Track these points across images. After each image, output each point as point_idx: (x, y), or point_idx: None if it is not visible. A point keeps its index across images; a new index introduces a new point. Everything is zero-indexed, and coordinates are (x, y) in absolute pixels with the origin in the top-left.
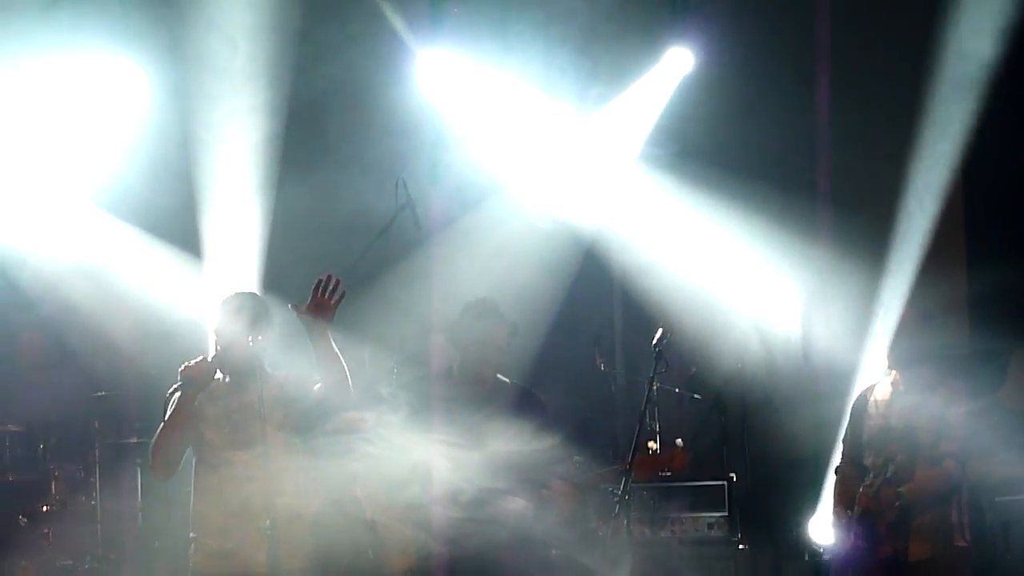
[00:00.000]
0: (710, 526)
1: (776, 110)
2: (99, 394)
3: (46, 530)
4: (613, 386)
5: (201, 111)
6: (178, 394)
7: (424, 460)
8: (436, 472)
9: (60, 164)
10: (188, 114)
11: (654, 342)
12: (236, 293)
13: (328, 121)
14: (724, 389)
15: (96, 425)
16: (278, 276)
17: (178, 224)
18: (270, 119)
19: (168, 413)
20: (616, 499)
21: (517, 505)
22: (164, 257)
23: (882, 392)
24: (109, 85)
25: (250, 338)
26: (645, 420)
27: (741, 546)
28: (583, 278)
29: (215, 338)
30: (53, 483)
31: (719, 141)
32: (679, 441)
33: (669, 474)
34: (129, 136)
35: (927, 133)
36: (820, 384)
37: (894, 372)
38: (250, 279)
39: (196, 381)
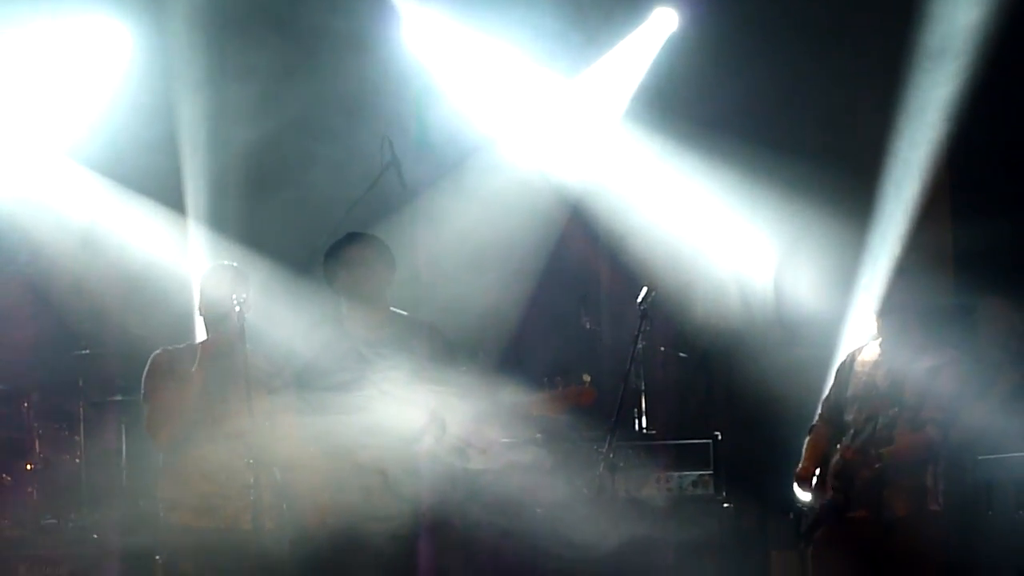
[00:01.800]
0: (695, 484)
1: (760, 68)
2: (83, 352)
3: (30, 489)
4: (599, 344)
5: (183, 68)
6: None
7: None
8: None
9: (42, 120)
10: (171, 70)
11: (639, 300)
12: (216, 265)
13: (313, 79)
14: (709, 348)
15: (80, 383)
16: (263, 234)
17: (162, 182)
18: (252, 77)
19: (153, 379)
20: (600, 457)
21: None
22: (148, 215)
23: (870, 354)
24: (92, 42)
25: (232, 304)
26: (630, 378)
27: (726, 504)
28: (569, 236)
29: (200, 309)
30: (37, 441)
31: (704, 99)
32: (586, 377)
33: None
34: (112, 93)
35: (914, 90)
36: (801, 340)
37: (882, 336)
38: (234, 238)
39: (219, 349)
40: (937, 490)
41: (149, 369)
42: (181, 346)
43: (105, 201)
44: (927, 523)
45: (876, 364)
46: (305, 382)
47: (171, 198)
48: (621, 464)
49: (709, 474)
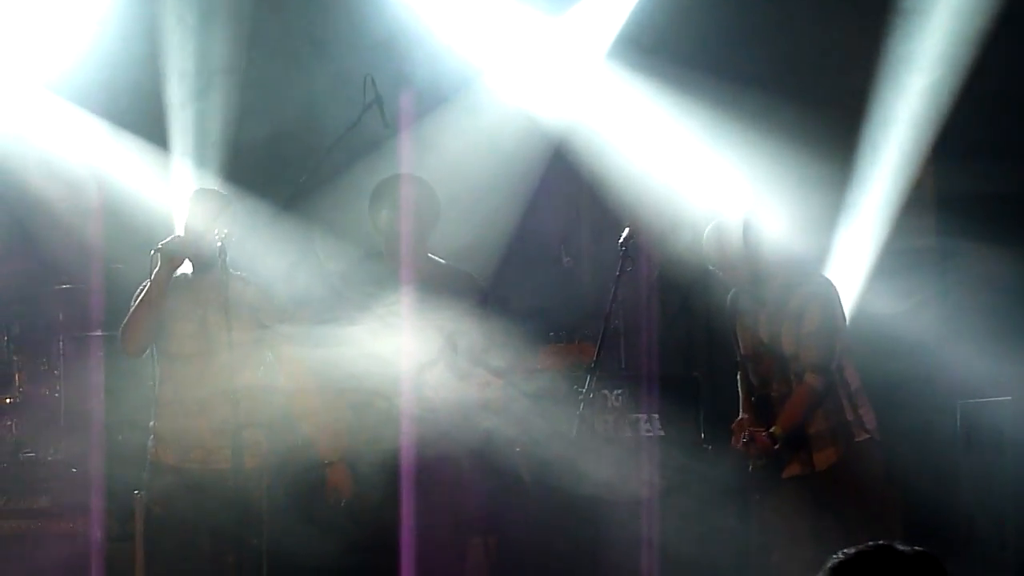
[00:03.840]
0: (676, 425)
1: (746, 7)
2: (63, 286)
3: (9, 422)
4: (579, 284)
5: (168, 4)
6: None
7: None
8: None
9: (24, 53)
10: (155, 5)
11: (621, 241)
12: (201, 188)
13: (297, 14)
14: (690, 289)
15: (60, 317)
16: (244, 170)
17: (143, 116)
18: (238, 14)
19: (142, 290)
20: (580, 398)
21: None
22: (129, 149)
23: (746, 302)
24: None
25: (216, 232)
26: (611, 319)
27: (706, 446)
28: (551, 176)
29: (183, 232)
30: (16, 375)
31: (688, 39)
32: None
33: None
34: (94, 26)
35: (902, 35)
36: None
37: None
38: (216, 172)
39: (171, 256)
40: (860, 417)
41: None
42: None
43: (86, 135)
44: (861, 455)
45: (754, 315)
46: (310, 313)
47: (154, 134)
48: (601, 404)
49: (690, 415)
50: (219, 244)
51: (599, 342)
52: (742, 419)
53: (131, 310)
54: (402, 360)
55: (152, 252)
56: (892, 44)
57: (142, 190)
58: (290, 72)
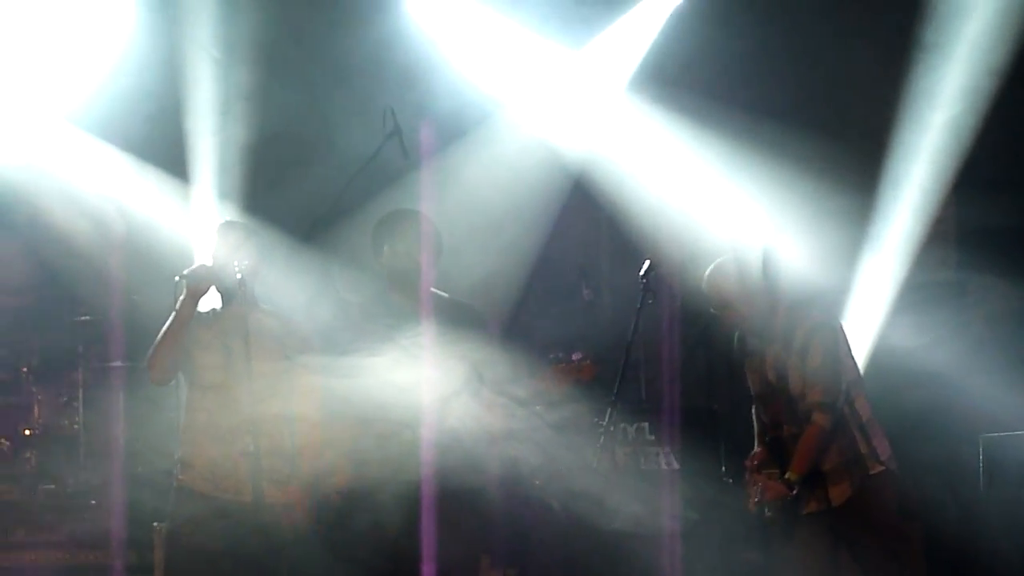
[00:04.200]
0: (695, 457)
1: (766, 40)
2: (83, 318)
3: (28, 454)
4: (599, 316)
5: (187, 34)
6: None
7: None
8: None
9: (43, 84)
10: (175, 36)
11: (641, 273)
12: (227, 220)
13: (317, 48)
14: (711, 322)
15: (80, 349)
16: (265, 202)
17: (163, 147)
18: (256, 43)
19: (169, 319)
20: (601, 431)
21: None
22: (149, 180)
23: (754, 341)
24: (97, 10)
25: (238, 263)
26: (631, 352)
27: (726, 478)
28: (571, 208)
29: (210, 262)
30: (36, 407)
31: (708, 71)
32: (576, 355)
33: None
34: (115, 56)
35: (924, 68)
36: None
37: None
38: (237, 205)
39: (197, 284)
40: (873, 448)
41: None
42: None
43: (108, 167)
44: (877, 488)
45: (761, 357)
46: (332, 345)
47: (174, 165)
48: (621, 437)
49: (710, 447)
50: (239, 275)
51: (619, 374)
52: (754, 455)
53: (158, 339)
54: (427, 390)
55: (176, 279)
56: (913, 78)
57: (162, 221)
58: (310, 103)
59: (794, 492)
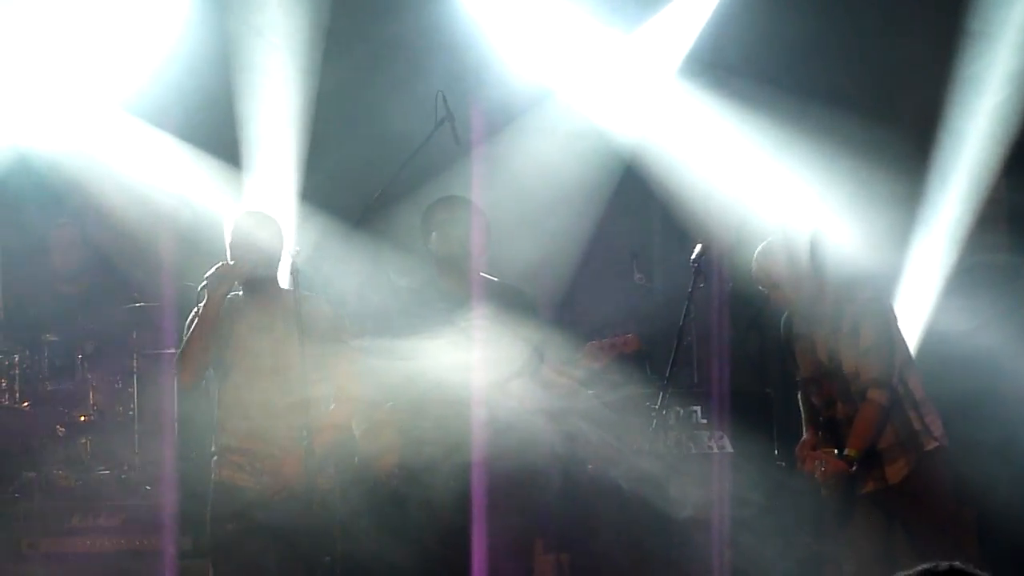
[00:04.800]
0: (747, 441)
1: (816, 23)
2: (137, 305)
3: (84, 440)
4: (651, 300)
5: (240, 22)
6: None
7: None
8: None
9: (96, 72)
10: (228, 23)
11: (693, 257)
12: (247, 212)
13: (370, 33)
14: (763, 305)
15: (134, 336)
16: (317, 187)
17: (217, 134)
18: (308, 30)
19: (193, 319)
20: (653, 415)
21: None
22: (203, 167)
23: (802, 324)
24: None
25: (291, 250)
26: (683, 336)
27: (779, 462)
28: (622, 192)
29: (229, 256)
30: (91, 393)
31: (759, 55)
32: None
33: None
34: (168, 44)
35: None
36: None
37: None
38: (289, 190)
39: (223, 281)
40: (927, 425)
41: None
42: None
43: (161, 154)
44: (933, 464)
45: (811, 338)
46: (386, 329)
47: (226, 152)
48: (674, 420)
49: (762, 431)
50: (292, 261)
51: (672, 358)
52: (805, 441)
53: (185, 342)
54: (485, 371)
55: (200, 289)
56: (961, 64)
57: (215, 208)
58: (363, 89)
59: (853, 468)
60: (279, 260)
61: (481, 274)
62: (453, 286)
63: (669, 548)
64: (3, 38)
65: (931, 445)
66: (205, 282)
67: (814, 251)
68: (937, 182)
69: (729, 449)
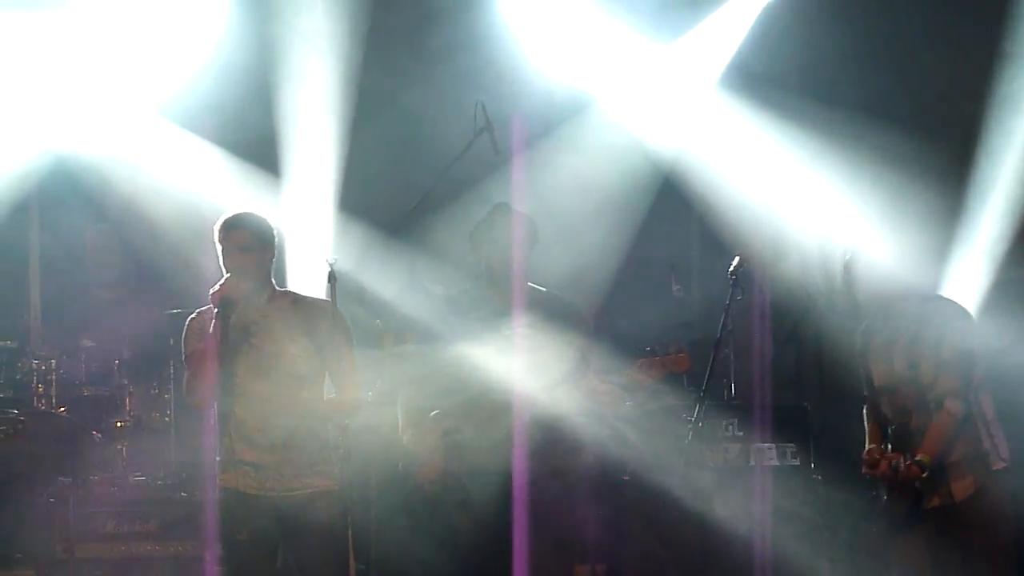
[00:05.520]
0: (784, 454)
1: (855, 36)
2: (174, 312)
3: (120, 446)
4: (688, 312)
5: (279, 29)
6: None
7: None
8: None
9: (135, 77)
10: (267, 34)
11: (731, 269)
12: (235, 215)
13: (409, 43)
14: (800, 318)
15: (171, 342)
16: (356, 196)
17: (256, 142)
18: (346, 43)
19: (189, 342)
20: (690, 427)
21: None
22: (240, 174)
23: (880, 336)
24: (190, 4)
25: (328, 258)
26: (720, 347)
27: (815, 475)
28: (661, 203)
29: (223, 260)
30: (127, 399)
31: (798, 67)
32: (672, 347)
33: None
34: (206, 50)
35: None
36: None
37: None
38: (328, 199)
39: (227, 303)
40: (996, 446)
41: (184, 334)
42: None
43: (198, 160)
44: (997, 487)
45: (889, 346)
46: (425, 338)
47: (264, 159)
48: (709, 433)
49: (799, 444)
50: (330, 268)
51: (708, 370)
52: (872, 449)
53: (194, 367)
54: (529, 379)
55: (216, 310)
56: (1000, 82)
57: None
58: (401, 97)
59: (924, 475)
60: (273, 260)
61: (529, 284)
62: (497, 295)
63: (706, 558)
64: (43, 44)
65: (998, 465)
66: (211, 304)
67: (848, 267)
68: (975, 198)
69: (769, 461)
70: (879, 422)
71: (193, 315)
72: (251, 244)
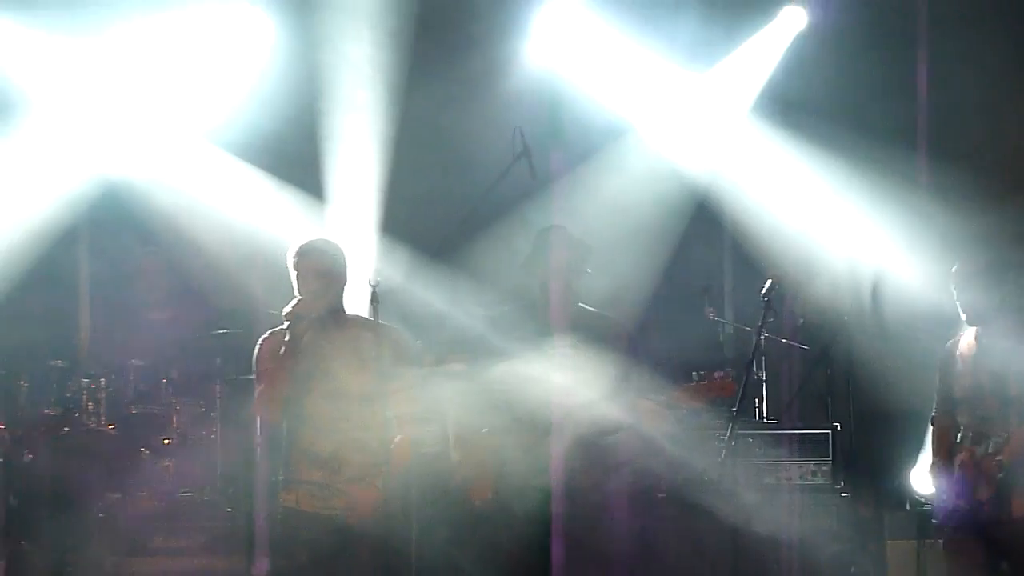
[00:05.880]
0: (814, 473)
1: (884, 65)
2: (220, 332)
3: (167, 462)
4: (721, 335)
5: (325, 57)
6: (286, 336)
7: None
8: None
9: (185, 105)
10: (313, 61)
11: (763, 292)
12: (308, 242)
13: (450, 73)
14: (831, 340)
15: (217, 362)
16: (399, 219)
17: (301, 167)
18: (390, 71)
19: (262, 361)
20: (723, 444)
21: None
22: (286, 199)
23: (967, 346)
24: (236, 31)
25: (371, 279)
26: (752, 369)
27: (843, 494)
28: (695, 227)
29: (296, 284)
30: (175, 416)
31: (828, 95)
32: (719, 373)
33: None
34: (254, 80)
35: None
36: (919, 334)
37: (975, 326)
38: (371, 221)
39: (299, 321)
40: None
41: (257, 353)
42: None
43: (250, 187)
44: None
45: (977, 361)
46: (470, 356)
47: (310, 185)
48: (742, 452)
49: (828, 464)
50: (372, 290)
51: (740, 390)
52: (935, 462)
53: (268, 380)
54: (571, 395)
55: (285, 326)
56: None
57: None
58: (443, 122)
59: (1001, 475)
60: (345, 286)
61: (579, 304)
62: (542, 314)
63: (739, 572)
64: (92, 72)
65: None
66: (286, 322)
67: (875, 289)
68: (998, 223)
69: (798, 479)
70: (949, 433)
71: (266, 335)
72: (323, 269)
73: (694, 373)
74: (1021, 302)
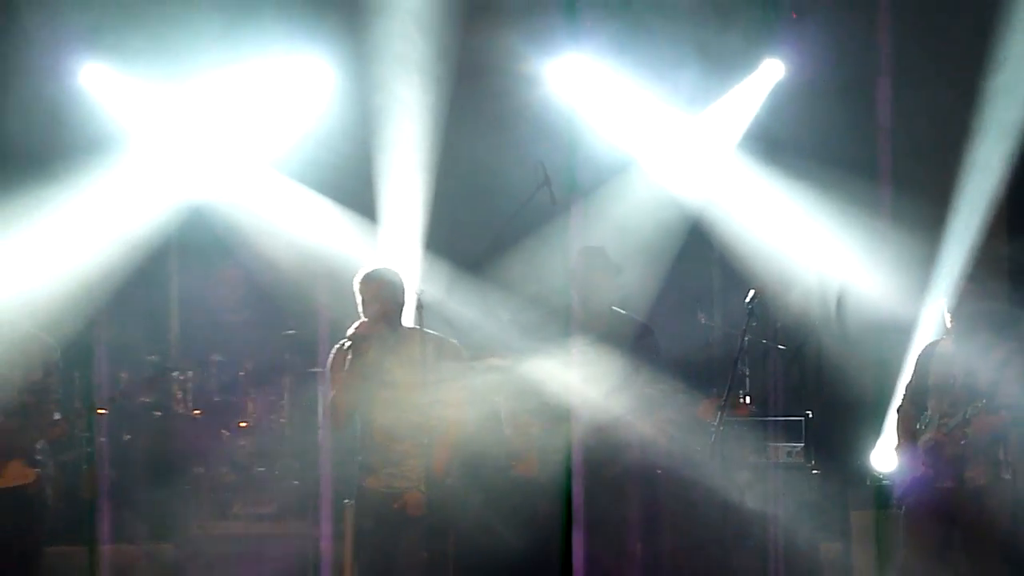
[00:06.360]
0: (789, 454)
1: (851, 107)
2: (290, 332)
3: (243, 442)
4: (712, 337)
5: (378, 99)
6: (349, 354)
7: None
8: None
9: (258, 141)
10: (367, 102)
11: (747, 301)
12: (371, 271)
13: (483, 110)
14: (803, 342)
15: (287, 357)
16: (439, 239)
17: (358, 193)
18: (437, 105)
19: (335, 369)
20: (713, 430)
21: (642, 427)
22: (343, 220)
23: (945, 348)
24: (301, 78)
25: (417, 291)
26: (738, 367)
27: (814, 471)
28: (689, 246)
29: (360, 306)
30: (250, 404)
31: (802, 135)
32: (744, 400)
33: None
34: (315, 119)
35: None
36: (878, 337)
37: (955, 333)
38: (416, 239)
39: (364, 340)
40: (1007, 462)
41: (331, 362)
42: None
43: (308, 207)
44: (1002, 489)
45: (952, 359)
46: (507, 351)
47: (365, 208)
48: (729, 436)
49: (801, 446)
50: (417, 299)
51: (728, 384)
52: (900, 443)
53: (336, 394)
54: (589, 387)
55: (347, 344)
56: (967, 150)
57: (354, 254)
58: (478, 155)
59: (963, 443)
60: (403, 308)
61: (613, 308)
62: (576, 317)
63: (725, 538)
64: (181, 112)
65: (1006, 475)
66: (350, 339)
67: (839, 301)
68: (950, 243)
69: (778, 458)
70: (911, 421)
71: (336, 347)
72: (382, 294)
73: (714, 389)
74: (998, 316)
